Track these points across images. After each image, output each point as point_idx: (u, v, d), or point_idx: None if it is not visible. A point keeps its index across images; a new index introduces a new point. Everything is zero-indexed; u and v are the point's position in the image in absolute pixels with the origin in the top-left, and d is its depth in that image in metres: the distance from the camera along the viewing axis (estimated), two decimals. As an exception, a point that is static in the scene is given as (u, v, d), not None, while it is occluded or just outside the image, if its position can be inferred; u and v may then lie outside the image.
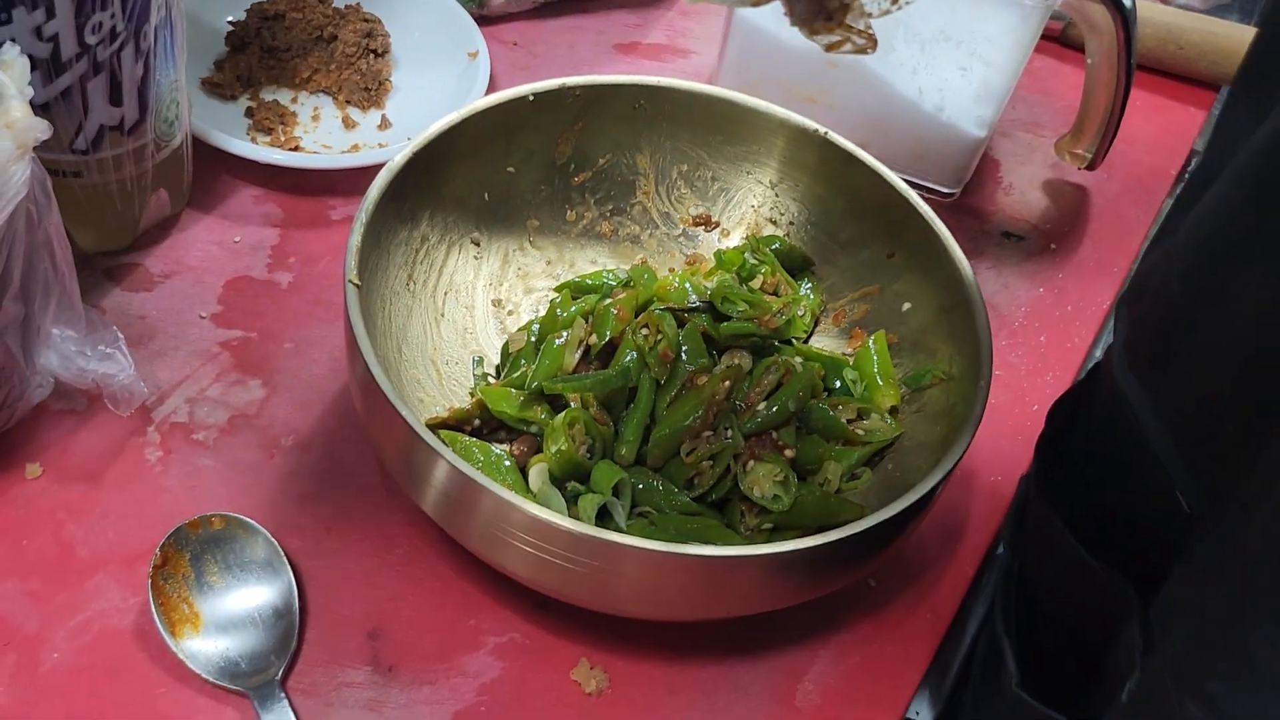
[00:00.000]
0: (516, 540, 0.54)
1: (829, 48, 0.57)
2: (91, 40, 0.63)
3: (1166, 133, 0.99)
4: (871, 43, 0.57)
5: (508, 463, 0.62)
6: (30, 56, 0.61)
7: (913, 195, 0.69)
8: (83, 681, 0.57)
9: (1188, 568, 0.54)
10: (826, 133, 0.72)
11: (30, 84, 0.57)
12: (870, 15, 0.58)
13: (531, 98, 0.69)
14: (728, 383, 0.63)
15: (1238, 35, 1.00)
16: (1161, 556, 0.56)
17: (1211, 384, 0.55)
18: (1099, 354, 0.84)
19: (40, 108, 0.64)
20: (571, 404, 0.62)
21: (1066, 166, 0.91)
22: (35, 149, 0.56)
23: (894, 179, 0.70)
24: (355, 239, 0.60)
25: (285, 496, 0.65)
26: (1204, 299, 0.56)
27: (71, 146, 0.66)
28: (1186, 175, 0.98)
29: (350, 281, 0.58)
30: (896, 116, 0.84)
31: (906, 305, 0.70)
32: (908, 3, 0.59)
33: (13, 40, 0.59)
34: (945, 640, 0.66)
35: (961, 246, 0.85)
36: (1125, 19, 0.81)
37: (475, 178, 0.70)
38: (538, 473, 0.61)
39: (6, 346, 0.59)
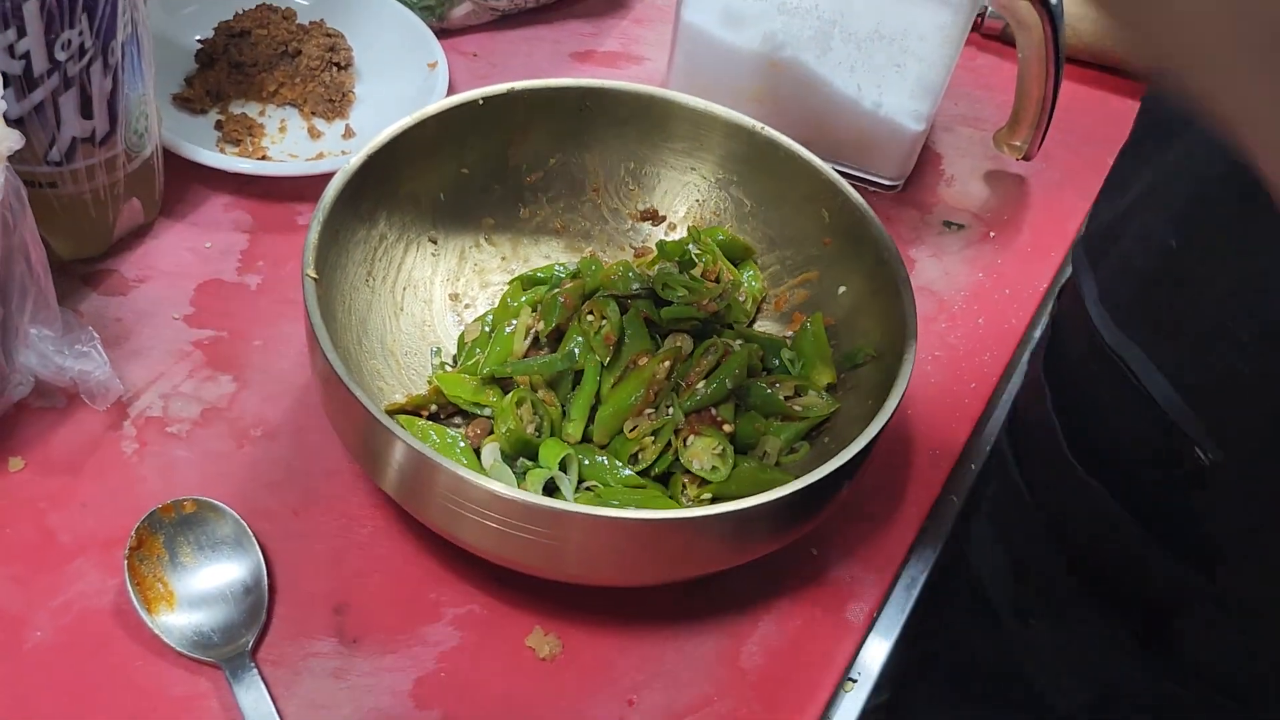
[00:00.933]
0: (470, 513, 0.58)
1: None
2: (61, 56, 0.66)
3: (1103, 123, 1.03)
4: None
5: (462, 444, 0.65)
6: (3, 73, 0.65)
7: (845, 185, 0.73)
8: (65, 657, 0.60)
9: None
10: (764, 129, 0.75)
11: (4, 99, 0.61)
12: None
13: (481, 101, 0.73)
14: (667, 363, 0.66)
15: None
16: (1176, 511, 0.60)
17: (1220, 333, 0.58)
18: (1036, 334, 0.88)
19: (14, 122, 0.67)
20: (521, 387, 0.66)
21: (1006, 158, 0.95)
22: (10, 160, 0.60)
23: (828, 170, 0.74)
24: (313, 235, 0.64)
25: (255, 483, 0.68)
26: (1206, 253, 0.59)
27: (46, 158, 0.70)
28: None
29: (308, 275, 0.62)
30: (837, 113, 0.88)
31: (842, 289, 0.73)
32: None
33: (-14, 58, 0.63)
34: (884, 604, 0.69)
35: (903, 236, 0.90)
36: (1052, 15, 0.85)
37: (431, 179, 0.74)
38: (490, 451, 0.65)
39: (-13, 345, 0.63)
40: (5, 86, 0.64)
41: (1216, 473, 0.58)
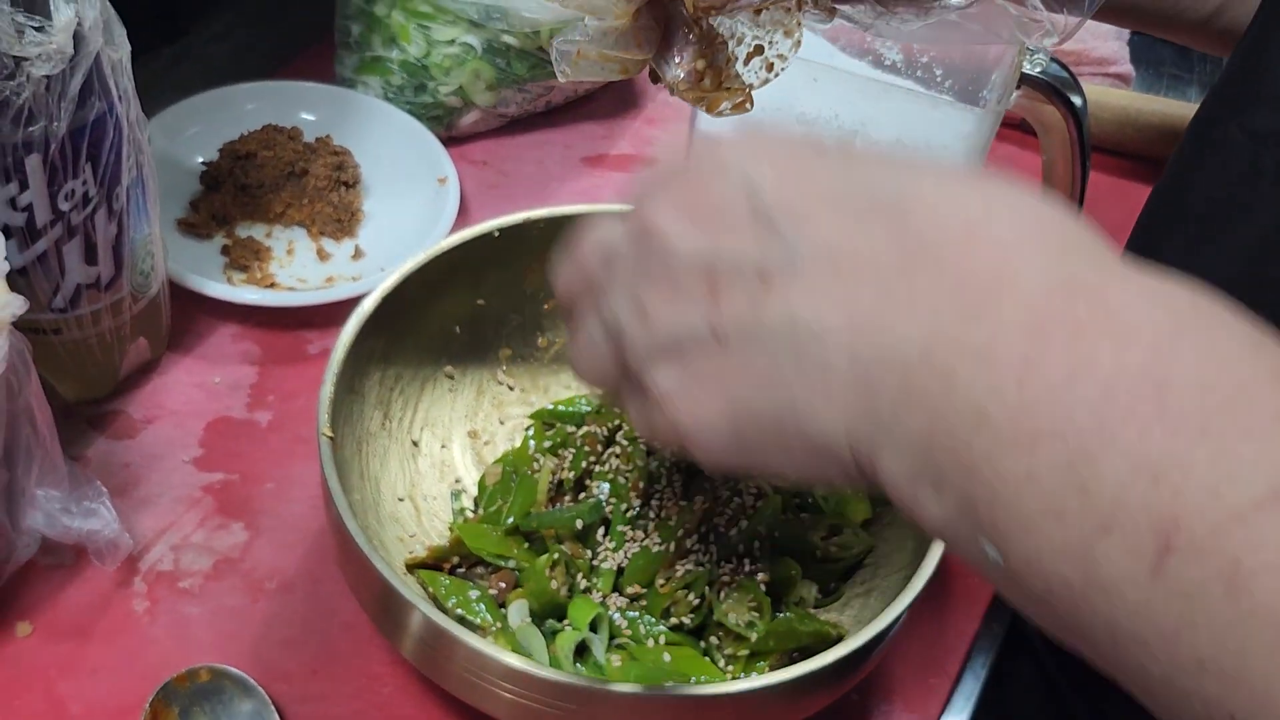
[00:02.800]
0: (495, 687, 0.55)
1: (709, 108, 0.58)
2: (65, 207, 0.64)
3: (1129, 213, 1.00)
4: (749, 100, 0.58)
5: (485, 601, 0.63)
6: (5, 226, 0.63)
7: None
8: (77, 843, 0.58)
9: None
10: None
11: (5, 255, 0.59)
12: (750, 86, 0.59)
13: (497, 234, 0.71)
14: (700, 512, 0.64)
15: (1191, 114, 1.02)
16: None
17: None
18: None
19: (17, 272, 0.65)
20: (547, 540, 0.64)
21: (1031, 255, 0.93)
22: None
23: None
24: (327, 390, 0.62)
25: (270, 642, 0.66)
26: None
27: (50, 306, 0.68)
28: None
29: (323, 434, 0.60)
30: (859, 220, 0.86)
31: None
32: (782, 69, 0.59)
33: (-13, 215, 0.61)
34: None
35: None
36: (1076, 116, 0.83)
37: (446, 312, 0.72)
38: (517, 609, 0.62)
39: (-9, 513, 0.61)
40: (7, 239, 0.62)
41: None
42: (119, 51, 0.63)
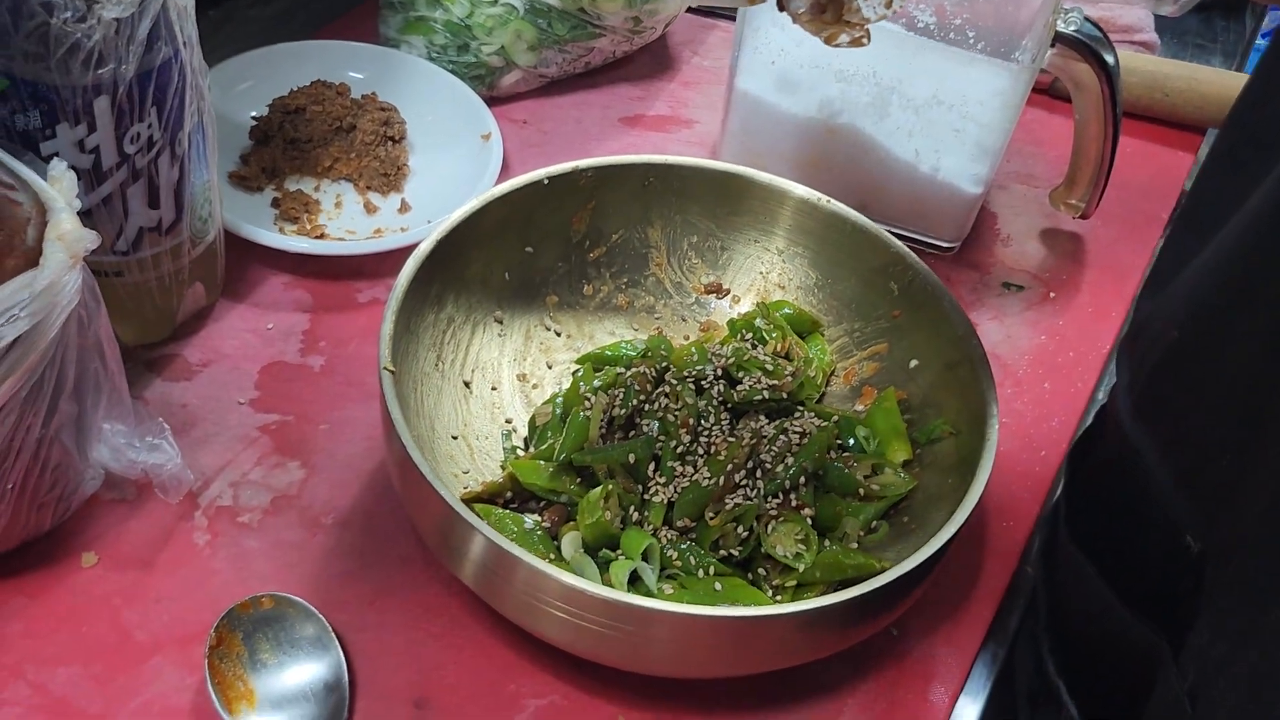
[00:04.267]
0: (553, 608, 0.57)
1: (827, 39, 0.59)
2: (130, 150, 0.66)
3: (1156, 177, 1.02)
4: (866, 35, 0.59)
5: (539, 533, 0.65)
6: (73, 168, 0.65)
7: (914, 258, 0.72)
8: (146, 760, 0.60)
9: (1213, 618, 0.57)
10: (829, 201, 0.75)
11: (77, 195, 0.61)
12: (868, 20, 0.60)
13: (546, 181, 0.72)
14: (747, 447, 0.66)
15: (1220, 80, 1.03)
16: (1183, 602, 0.59)
17: (1209, 421, 0.58)
18: (1101, 396, 0.87)
19: (84, 215, 0.67)
20: (599, 474, 0.66)
21: (1062, 215, 0.94)
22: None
23: (896, 243, 0.73)
24: (387, 327, 0.63)
25: (328, 573, 0.68)
26: (1201, 349, 0.59)
27: (113, 248, 0.70)
28: (1170, 220, 1.01)
29: (385, 369, 0.62)
30: (895, 178, 0.88)
31: (914, 362, 0.73)
32: (900, 5, 0.61)
33: (58, 155, 0.63)
34: (968, 680, 0.68)
35: (963, 298, 0.89)
36: (1109, 75, 0.84)
37: (495, 259, 0.73)
38: (570, 541, 0.64)
39: (62, 444, 0.63)
40: (77, 181, 0.64)
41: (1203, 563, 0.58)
42: (185, -2, 0.65)
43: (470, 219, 0.70)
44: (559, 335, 0.77)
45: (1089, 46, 0.83)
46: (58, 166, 0.60)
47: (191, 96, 0.68)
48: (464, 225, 0.69)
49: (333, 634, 0.64)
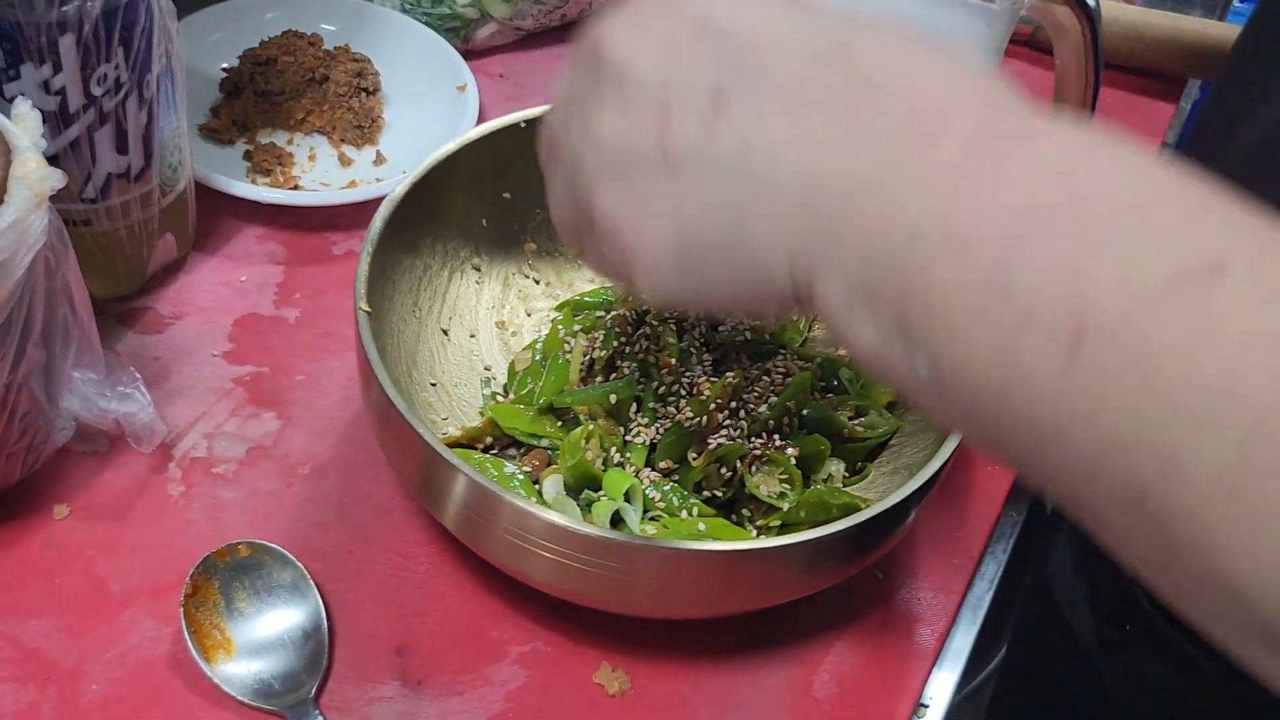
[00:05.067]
0: (536, 547, 0.56)
1: None
2: (97, 91, 0.65)
3: (1138, 128, 1.02)
4: None
5: (520, 477, 0.64)
6: (39, 110, 0.64)
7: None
8: (123, 711, 0.59)
9: None
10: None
11: (42, 135, 0.59)
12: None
13: (523, 124, 0.71)
14: (730, 387, 0.65)
15: (1201, 29, 1.03)
16: None
17: None
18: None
19: (50, 159, 0.65)
20: (580, 417, 0.65)
21: (1043, 165, 0.94)
22: (49, 199, 0.59)
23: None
24: (363, 267, 0.62)
25: (306, 523, 0.66)
26: None
27: (81, 196, 0.68)
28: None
29: (360, 309, 0.61)
30: (875, 125, 0.87)
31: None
32: None
33: (23, 95, 0.61)
34: (955, 625, 0.68)
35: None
36: (1090, 19, 0.83)
37: (473, 205, 0.72)
38: (552, 483, 0.63)
39: (31, 391, 0.61)
40: (42, 123, 0.62)
41: None
42: (151, -66, 0.64)
43: (446, 163, 0.68)
44: (538, 283, 0.76)
45: (1070, -11, 0.82)
46: (21, 105, 0.59)
47: (159, 37, 0.66)
48: (440, 170, 0.68)
49: (310, 580, 0.63)
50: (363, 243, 0.63)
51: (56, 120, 0.65)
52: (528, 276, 0.75)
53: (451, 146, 0.69)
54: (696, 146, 0.40)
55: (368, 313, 0.61)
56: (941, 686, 0.66)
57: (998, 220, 0.34)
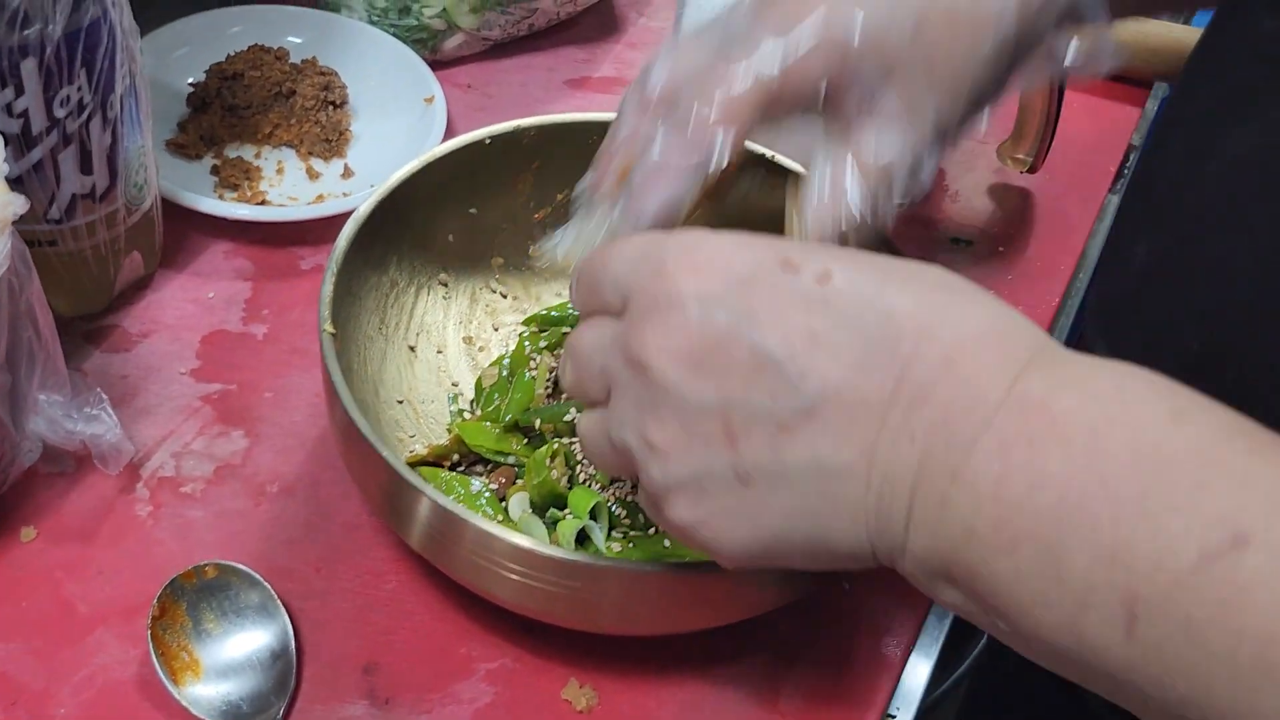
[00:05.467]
0: (502, 569, 0.56)
1: None
2: (60, 113, 0.65)
3: (1105, 131, 1.02)
4: None
5: (486, 495, 0.64)
6: (1, 132, 0.64)
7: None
8: (90, 734, 0.59)
9: None
10: (773, 155, 0.74)
11: (4, 160, 0.59)
12: None
13: (488, 140, 0.71)
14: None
15: (1166, 33, 1.03)
16: None
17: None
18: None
19: (14, 181, 0.66)
20: (545, 434, 0.65)
21: (1010, 171, 0.94)
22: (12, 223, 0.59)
23: (841, 196, 0.72)
24: (327, 288, 0.62)
25: (274, 541, 0.67)
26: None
27: (45, 216, 0.68)
28: (1125, 172, 1.01)
29: (325, 330, 0.61)
30: (842, 134, 0.87)
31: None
32: None
33: (-16, 119, 0.61)
34: (920, 635, 0.68)
35: (911, 255, 0.88)
36: (1054, 27, 0.84)
37: (439, 221, 0.72)
38: (518, 502, 0.63)
39: (-4, 415, 0.62)
40: (4, 146, 0.62)
41: None
42: (112, -44, 0.63)
43: (411, 180, 0.68)
44: (505, 297, 0.76)
45: None
46: (-17, 131, 0.59)
47: (122, 58, 0.66)
48: (405, 186, 0.68)
49: (278, 601, 0.63)
50: (327, 263, 0.64)
51: (19, 143, 0.65)
52: (494, 291, 0.75)
53: (417, 164, 0.69)
54: (769, 464, 0.43)
55: (333, 334, 0.61)
56: (908, 696, 0.67)
57: (1039, 518, 0.38)
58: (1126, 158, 1.01)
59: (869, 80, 0.52)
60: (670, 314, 0.43)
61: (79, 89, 0.65)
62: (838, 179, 0.53)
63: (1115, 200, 0.99)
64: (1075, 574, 0.38)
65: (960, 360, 0.41)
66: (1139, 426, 0.39)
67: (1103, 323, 0.67)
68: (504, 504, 0.64)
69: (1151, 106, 1.07)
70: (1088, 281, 0.92)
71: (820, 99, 0.53)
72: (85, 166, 0.68)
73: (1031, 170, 0.92)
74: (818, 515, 0.43)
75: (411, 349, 0.71)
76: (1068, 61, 0.60)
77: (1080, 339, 0.71)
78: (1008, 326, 0.42)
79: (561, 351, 0.67)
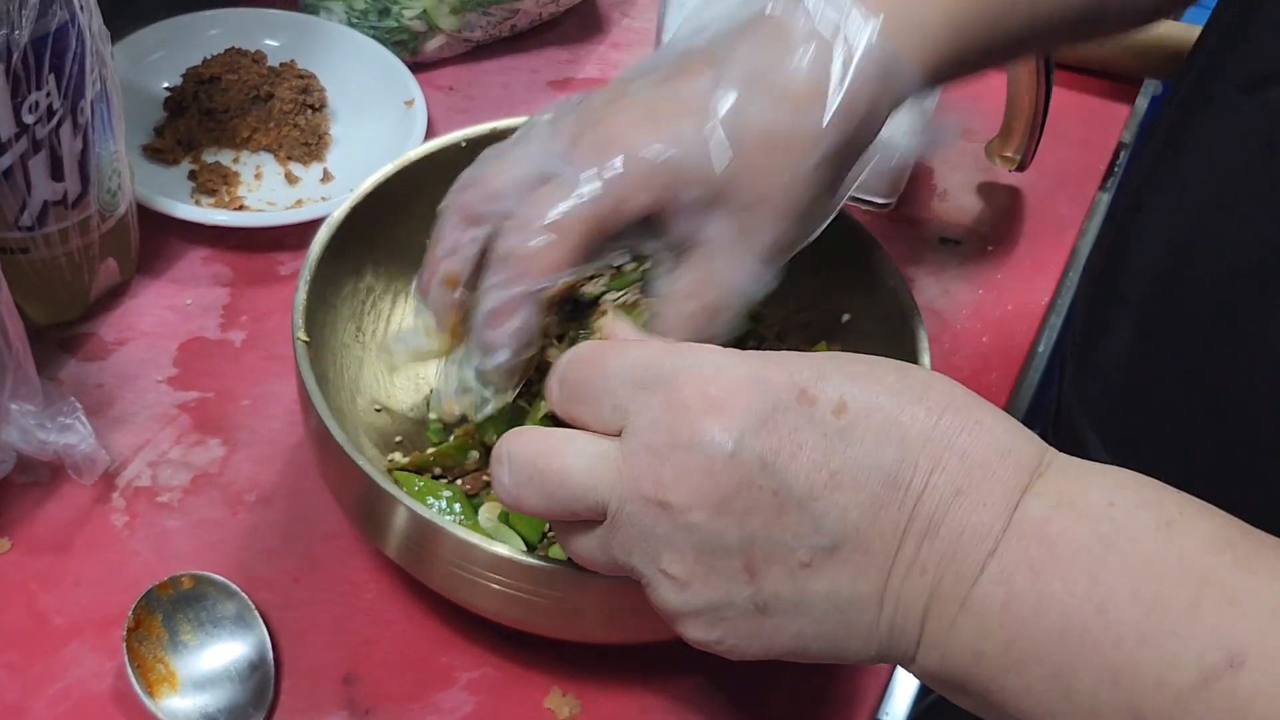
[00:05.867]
0: (481, 578, 0.55)
1: None
2: (29, 119, 0.64)
3: (1094, 129, 1.01)
4: None
5: (458, 502, 0.63)
6: (-30, 140, 0.63)
7: (846, 214, 0.71)
8: (64, 749, 0.58)
9: None
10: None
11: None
12: None
13: (464, 144, 0.70)
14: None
15: (1156, 29, 1.02)
16: None
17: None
18: (1043, 348, 0.86)
19: (-16, 189, 0.65)
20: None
21: (999, 169, 0.93)
22: (-19, 230, 0.58)
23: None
24: (300, 296, 0.62)
25: (252, 551, 0.66)
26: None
27: (17, 224, 0.67)
28: (1116, 170, 1.00)
29: (298, 339, 0.60)
30: (827, 133, 0.86)
31: (846, 316, 0.71)
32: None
33: (-49, 126, 0.60)
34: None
35: (900, 255, 0.88)
36: (1040, 23, 0.83)
37: (415, 226, 0.71)
38: (486, 511, 0.62)
39: (-34, 426, 0.61)
40: (-28, 153, 0.62)
41: None
42: (80, -41, 0.63)
43: (386, 184, 0.68)
44: (485, 302, 0.75)
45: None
46: (-51, 137, 0.58)
47: (92, 63, 0.66)
48: (380, 191, 0.67)
49: (255, 611, 0.62)
50: (300, 270, 0.63)
51: (-12, 149, 0.64)
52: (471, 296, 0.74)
53: (391, 168, 0.68)
54: (788, 595, 0.43)
55: (306, 343, 0.60)
56: (899, 701, 0.66)
57: (1045, 641, 0.40)
58: (1116, 155, 1.00)
59: (693, 209, 0.53)
60: (692, 456, 0.43)
61: (48, 95, 0.64)
62: (674, 319, 0.55)
63: (1105, 198, 0.98)
64: (1082, 692, 0.40)
65: (968, 490, 0.41)
66: (1132, 542, 0.40)
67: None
68: (474, 499, 0.63)
69: (1142, 103, 1.07)
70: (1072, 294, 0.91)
71: (649, 229, 0.54)
72: (56, 173, 0.67)
73: (1020, 168, 0.91)
74: (833, 637, 0.44)
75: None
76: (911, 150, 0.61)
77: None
78: (1010, 445, 0.43)
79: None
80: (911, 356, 0.65)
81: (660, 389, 0.44)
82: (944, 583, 0.42)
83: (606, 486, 0.45)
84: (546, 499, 0.46)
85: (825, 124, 0.53)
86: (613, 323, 0.53)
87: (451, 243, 0.57)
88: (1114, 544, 0.40)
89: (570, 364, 0.47)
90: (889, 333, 0.68)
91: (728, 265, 0.54)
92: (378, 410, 0.68)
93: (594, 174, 0.53)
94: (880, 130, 0.56)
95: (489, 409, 0.58)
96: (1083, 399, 0.70)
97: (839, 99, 0.53)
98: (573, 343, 0.61)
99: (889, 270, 0.68)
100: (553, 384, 0.48)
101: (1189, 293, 0.60)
